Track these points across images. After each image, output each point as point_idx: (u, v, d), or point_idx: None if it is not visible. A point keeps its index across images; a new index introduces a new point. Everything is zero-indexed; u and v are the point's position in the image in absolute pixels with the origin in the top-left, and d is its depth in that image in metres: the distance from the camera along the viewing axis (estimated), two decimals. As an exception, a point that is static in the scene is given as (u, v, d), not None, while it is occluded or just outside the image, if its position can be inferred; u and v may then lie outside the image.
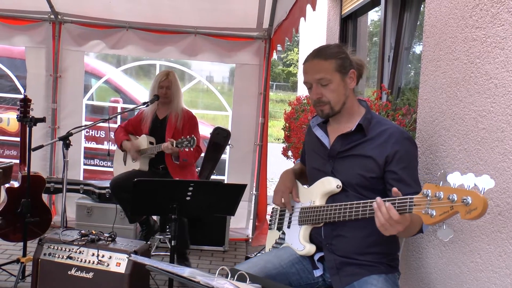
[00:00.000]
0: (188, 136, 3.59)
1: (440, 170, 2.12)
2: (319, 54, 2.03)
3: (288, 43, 4.18)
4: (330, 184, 2.01)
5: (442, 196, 1.47)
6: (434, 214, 1.48)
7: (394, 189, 1.68)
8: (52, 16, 4.72)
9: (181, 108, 3.97)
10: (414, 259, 2.34)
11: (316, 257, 2.09)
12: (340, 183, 2.00)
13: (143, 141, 3.95)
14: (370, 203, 1.76)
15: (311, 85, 2.03)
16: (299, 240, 2.09)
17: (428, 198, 1.51)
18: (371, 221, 1.75)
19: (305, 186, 2.22)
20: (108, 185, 4.37)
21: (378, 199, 1.68)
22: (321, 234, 2.05)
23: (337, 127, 2.09)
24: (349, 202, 1.87)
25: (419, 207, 1.55)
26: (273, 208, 2.39)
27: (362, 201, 1.82)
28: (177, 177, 3.84)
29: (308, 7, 2.96)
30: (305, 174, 2.31)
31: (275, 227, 2.31)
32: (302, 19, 3.27)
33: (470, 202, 1.39)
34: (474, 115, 1.87)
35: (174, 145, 3.61)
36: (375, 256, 1.99)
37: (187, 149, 3.63)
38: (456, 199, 1.42)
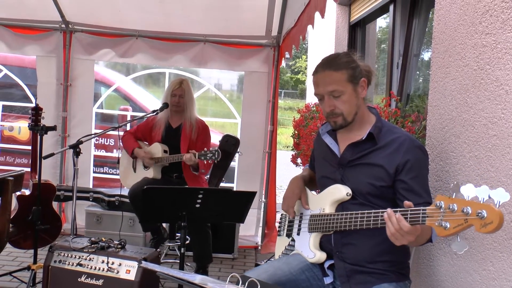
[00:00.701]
0: (211, 149, 3.62)
1: (451, 178, 2.11)
2: (329, 64, 2.00)
3: (295, 50, 4.19)
4: (340, 191, 2.01)
5: (456, 209, 1.44)
6: (448, 226, 1.46)
7: (406, 202, 1.67)
8: (63, 26, 4.77)
9: (195, 117, 3.99)
10: (425, 266, 2.32)
11: (326, 265, 2.08)
12: (350, 191, 1.99)
13: (157, 149, 3.96)
14: (381, 213, 1.75)
15: (323, 97, 2.01)
16: (309, 248, 2.09)
17: (442, 210, 1.49)
18: (381, 229, 1.74)
19: (314, 193, 2.22)
20: (117, 193, 4.41)
21: (389, 210, 1.68)
22: (331, 242, 2.05)
23: (347, 135, 2.08)
24: (360, 211, 1.86)
25: (432, 219, 1.53)
26: (282, 214, 2.38)
27: (373, 211, 1.81)
28: (192, 185, 3.87)
29: (317, 14, 2.96)
30: (314, 180, 2.31)
31: (284, 234, 2.31)
32: (309, 26, 3.27)
33: (485, 215, 1.36)
34: (485, 121, 1.86)
35: (197, 157, 3.63)
36: (386, 264, 1.98)
37: (210, 161, 3.66)
38: (470, 212, 1.40)
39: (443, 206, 1.49)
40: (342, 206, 2.02)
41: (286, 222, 2.32)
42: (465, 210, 1.41)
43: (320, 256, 2.06)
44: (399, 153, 1.93)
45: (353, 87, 1.99)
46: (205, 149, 3.65)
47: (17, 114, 5.93)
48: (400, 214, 1.64)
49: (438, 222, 1.49)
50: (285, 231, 2.31)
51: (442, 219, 1.48)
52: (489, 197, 1.39)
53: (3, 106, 5.59)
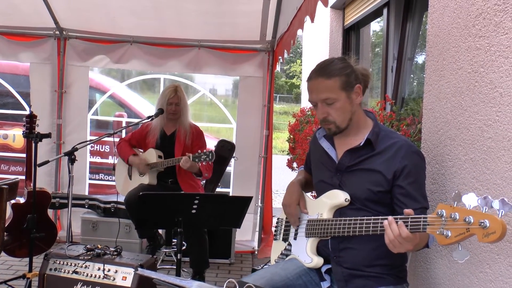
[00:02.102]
0: (205, 150, 3.64)
1: (447, 181, 2.11)
2: (322, 72, 1.98)
3: (287, 55, 4.19)
4: (338, 197, 2.00)
5: (457, 217, 1.44)
6: (450, 235, 1.46)
7: (406, 210, 1.67)
8: (57, 32, 4.76)
9: (189, 123, 4.00)
10: (422, 270, 2.31)
11: (324, 269, 2.07)
12: (348, 197, 1.98)
13: (151, 155, 3.96)
14: (381, 219, 1.74)
15: (316, 104, 2.01)
16: (306, 253, 2.08)
17: (443, 218, 1.49)
18: (380, 234, 1.74)
19: (312, 198, 2.21)
20: (113, 200, 4.39)
21: (390, 217, 1.67)
22: (328, 247, 2.04)
23: (344, 139, 2.07)
24: (359, 218, 1.85)
25: (434, 227, 1.53)
26: (278, 218, 2.37)
27: (372, 217, 1.80)
28: (187, 190, 3.86)
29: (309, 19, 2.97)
30: (309, 183, 2.31)
31: (281, 238, 2.30)
32: (299, 30, 3.29)
33: (488, 225, 1.36)
34: (480, 124, 1.86)
35: (191, 159, 3.63)
36: (383, 267, 1.98)
37: (205, 163, 3.67)
38: (472, 221, 1.40)
39: (444, 214, 1.48)
40: (339, 211, 2.02)
41: (283, 227, 2.31)
42: (467, 219, 1.41)
43: (318, 261, 2.06)
44: (397, 158, 1.93)
45: (347, 94, 1.97)
46: (199, 151, 3.65)
47: (10, 122, 5.90)
48: (401, 221, 1.64)
49: (440, 231, 1.49)
50: (282, 235, 2.30)
51: (444, 227, 1.48)
52: (491, 206, 1.38)
53: (-4, 114, 5.57)
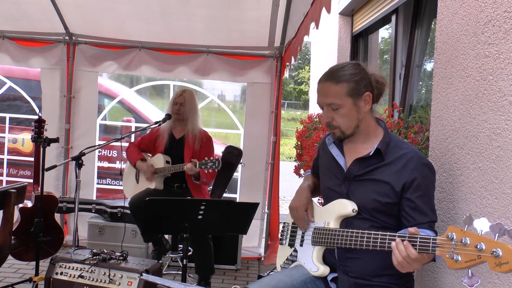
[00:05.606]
0: (212, 158, 3.64)
1: (455, 190, 2.08)
2: (331, 76, 1.97)
3: (294, 61, 4.19)
4: (346, 207, 1.98)
5: (468, 243, 1.39)
6: (460, 259, 1.41)
7: (410, 230, 1.64)
8: (67, 38, 4.80)
9: (198, 128, 4.00)
10: (429, 279, 2.29)
11: (330, 278, 2.05)
12: (356, 207, 1.96)
13: (159, 160, 3.97)
14: (389, 236, 1.71)
15: (323, 107, 2.01)
16: (312, 261, 2.06)
17: (453, 242, 1.44)
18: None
19: (319, 205, 2.19)
20: (120, 205, 4.40)
21: (398, 238, 1.65)
22: (334, 255, 2.02)
23: (353, 147, 2.06)
24: (366, 232, 1.81)
25: (443, 250, 1.48)
26: (284, 223, 2.36)
27: (380, 233, 1.76)
28: (196, 195, 3.87)
29: (320, 26, 2.97)
30: (317, 187, 2.29)
31: (287, 243, 2.28)
32: (306, 37, 3.29)
33: (500, 254, 1.31)
34: (488, 132, 1.84)
35: (197, 166, 3.63)
36: (390, 277, 1.95)
37: (211, 170, 3.68)
38: (484, 248, 1.35)
39: (455, 238, 1.44)
40: (346, 220, 2.00)
41: (289, 232, 2.29)
42: (478, 246, 1.37)
43: (324, 270, 2.04)
44: (407, 170, 1.90)
45: (353, 101, 1.95)
46: (206, 158, 3.66)
47: (24, 126, 5.95)
48: (408, 242, 1.61)
49: (449, 254, 1.45)
50: (287, 240, 2.28)
51: (454, 251, 1.43)
52: (503, 234, 1.33)
53: (10, 118, 5.61)
